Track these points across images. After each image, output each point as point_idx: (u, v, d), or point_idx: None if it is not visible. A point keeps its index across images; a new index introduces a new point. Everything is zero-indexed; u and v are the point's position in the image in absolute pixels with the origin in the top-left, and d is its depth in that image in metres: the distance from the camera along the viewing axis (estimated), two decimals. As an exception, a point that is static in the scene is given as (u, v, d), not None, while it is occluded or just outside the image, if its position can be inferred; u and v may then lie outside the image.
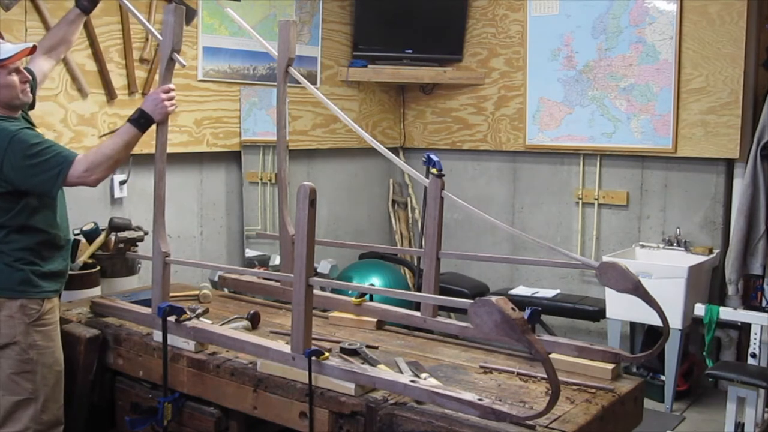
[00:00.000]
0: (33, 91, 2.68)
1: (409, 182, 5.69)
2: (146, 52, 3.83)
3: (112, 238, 3.44)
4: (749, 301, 4.36)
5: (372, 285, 4.34)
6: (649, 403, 3.80)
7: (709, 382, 4.43)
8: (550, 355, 2.19)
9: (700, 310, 3.79)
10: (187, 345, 2.60)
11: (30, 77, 2.60)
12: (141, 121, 2.58)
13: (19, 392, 2.52)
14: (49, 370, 2.57)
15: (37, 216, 2.53)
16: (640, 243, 4.70)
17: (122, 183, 3.83)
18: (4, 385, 2.52)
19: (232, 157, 4.43)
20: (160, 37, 2.74)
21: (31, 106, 2.74)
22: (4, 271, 2.49)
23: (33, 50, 2.57)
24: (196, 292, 3.29)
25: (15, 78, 2.49)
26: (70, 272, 3.15)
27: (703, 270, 4.30)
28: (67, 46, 2.97)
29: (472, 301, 1.89)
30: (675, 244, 4.54)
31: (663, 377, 4.23)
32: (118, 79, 3.74)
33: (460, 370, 2.41)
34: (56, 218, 2.62)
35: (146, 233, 3.47)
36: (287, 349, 2.32)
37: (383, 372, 2.23)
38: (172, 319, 2.61)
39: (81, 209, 3.57)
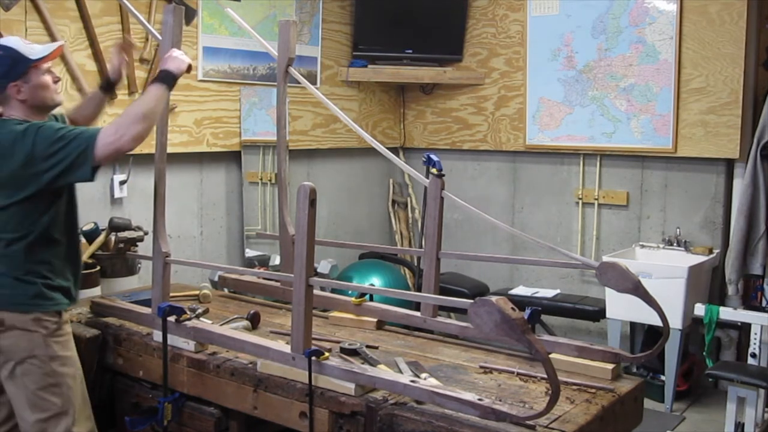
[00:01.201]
0: None
1: (409, 182, 5.69)
2: (146, 52, 3.84)
3: (112, 238, 3.44)
4: (749, 301, 4.36)
5: (372, 285, 4.34)
6: (649, 403, 3.79)
7: (709, 382, 4.43)
8: (550, 355, 2.19)
9: (700, 310, 3.79)
10: (187, 345, 2.61)
11: (60, 77, 2.57)
12: (166, 78, 2.52)
13: (49, 408, 2.41)
14: (73, 380, 2.48)
15: (56, 225, 2.47)
16: (640, 243, 4.70)
17: (122, 183, 3.83)
18: (32, 404, 2.41)
19: (232, 157, 4.43)
20: (160, 38, 2.74)
21: None
22: (16, 286, 2.41)
23: (62, 49, 2.56)
24: (196, 292, 3.29)
25: (48, 78, 2.47)
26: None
27: (703, 270, 4.30)
28: (91, 121, 2.89)
29: (472, 301, 1.89)
30: (675, 244, 4.54)
31: (663, 377, 4.23)
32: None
33: (460, 370, 2.41)
34: (74, 228, 2.57)
35: (146, 233, 3.47)
36: (287, 349, 2.33)
37: (383, 372, 2.23)
38: (172, 319, 2.61)
39: (81, 209, 3.54)
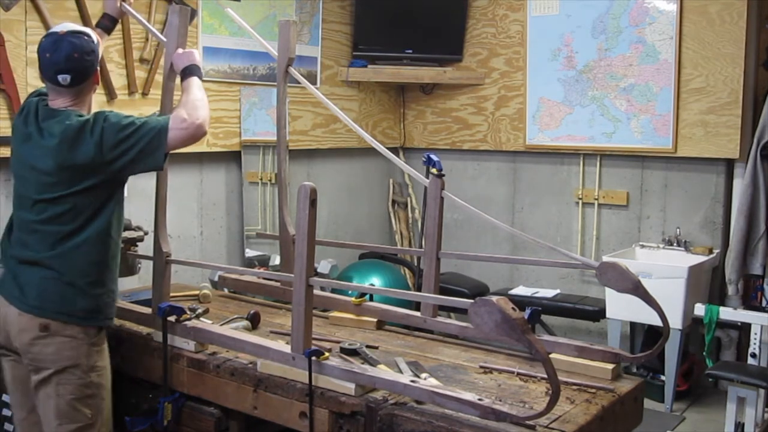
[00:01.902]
0: None
1: (409, 182, 5.69)
2: (146, 52, 3.83)
3: (112, 238, 3.43)
4: (749, 301, 4.36)
5: (372, 285, 4.34)
6: (649, 403, 3.79)
7: (709, 382, 4.43)
8: (550, 355, 2.18)
9: (700, 310, 3.79)
10: (187, 345, 2.61)
11: None
12: (196, 70, 2.55)
13: (79, 419, 2.35)
14: (106, 392, 2.44)
15: (112, 224, 2.39)
16: (640, 243, 4.70)
17: (122, 183, 3.82)
18: (63, 413, 2.33)
19: (232, 157, 4.43)
20: (164, 39, 2.74)
21: None
22: (68, 294, 2.33)
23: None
24: (196, 292, 3.29)
25: None
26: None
27: (703, 270, 4.30)
28: None
29: (472, 301, 1.89)
30: (675, 244, 4.54)
31: (663, 377, 4.23)
32: (118, 79, 3.74)
33: (460, 370, 2.41)
34: (122, 229, 2.50)
35: (146, 233, 3.47)
36: (287, 349, 2.33)
37: (383, 372, 2.23)
38: (172, 319, 2.61)
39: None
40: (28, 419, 2.47)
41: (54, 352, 2.32)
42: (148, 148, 2.29)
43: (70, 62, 2.32)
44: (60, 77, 2.33)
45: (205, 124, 2.35)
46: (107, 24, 2.81)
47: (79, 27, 2.42)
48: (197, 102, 2.39)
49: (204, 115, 2.36)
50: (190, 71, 2.56)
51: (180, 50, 2.63)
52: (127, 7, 2.86)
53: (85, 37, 2.36)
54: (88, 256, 2.36)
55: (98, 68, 2.43)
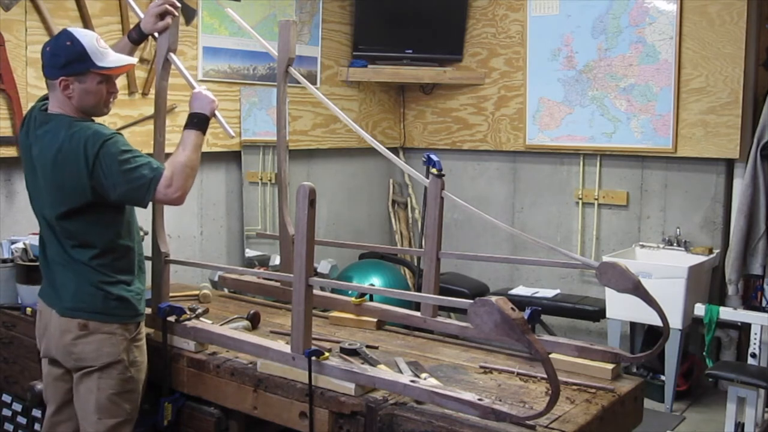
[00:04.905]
0: None
1: (409, 182, 5.69)
2: (146, 52, 3.83)
3: (112, 238, 3.43)
4: (749, 301, 4.36)
5: (372, 285, 4.34)
6: (649, 403, 3.79)
7: (709, 382, 4.43)
8: (550, 355, 2.19)
9: (700, 310, 3.79)
10: (187, 345, 2.61)
11: (117, 90, 2.47)
12: (201, 123, 2.50)
13: (118, 414, 2.39)
14: (141, 386, 2.48)
15: (121, 233, 2.42)
16: (640, 243, 4.70)
17: (122, 183, 3.82)
18: (103, 408, 2.37)
19: (232, 157, 4.43)
20: (157, 34, 2.73)
21: None
22: (94, 295, 2.36)
23: (132, 67, 2.45)
24: (196, 292, 3.29)
25: (103, 88, 2.36)
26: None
27: (703, 270, 4.30)
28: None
29: (472, 301, 1.89)
30: (675, 244, 4.54)
31: (663, 377, 4.23)
32: (117, 79, 3.73)
33: (460, 370, 2.41)
34: (137, 232, 2.54)
35: (146, 233, 3.47)
36: (287, 349, 2.33)
37: (383, 372, 2.23)
38: (172, 319, 2.61)
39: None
40: (56, 414, 2.52)
41: (95, 349, 2.36)
42: (136, 192, 2.28)
43: (43, 52, 2.35)
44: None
45: (185, 194, 2.34)
46: (134, 36, 2.70)
47: (78, 32, 2.34)
48: (188, 169, 2.34)
49: (189, 186, 2.34)
50: (197, 122, 2.49)
51: (204, 91, 2.54)
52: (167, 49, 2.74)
53: (67, 42, 2.29)
54: (104, 264, 2.38)
55: (70, 77, 2.30)
